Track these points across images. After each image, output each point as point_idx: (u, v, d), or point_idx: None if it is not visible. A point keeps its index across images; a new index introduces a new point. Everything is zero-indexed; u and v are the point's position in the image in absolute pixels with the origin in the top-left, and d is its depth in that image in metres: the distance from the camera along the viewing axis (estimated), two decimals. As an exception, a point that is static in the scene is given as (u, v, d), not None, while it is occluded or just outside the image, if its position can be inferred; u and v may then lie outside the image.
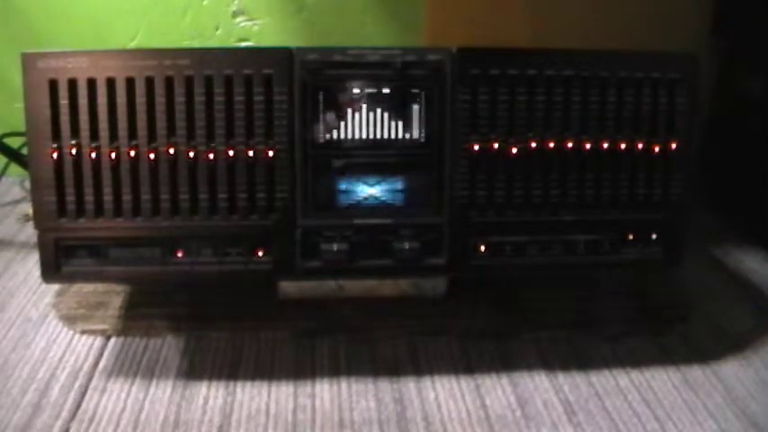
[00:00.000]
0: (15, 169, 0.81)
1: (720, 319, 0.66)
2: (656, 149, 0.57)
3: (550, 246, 0.58)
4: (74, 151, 0.53)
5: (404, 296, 0.67)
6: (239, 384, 0.57)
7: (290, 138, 0.55)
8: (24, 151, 0.62)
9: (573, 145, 0.56)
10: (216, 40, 0.91)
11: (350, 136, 0.55)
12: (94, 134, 0.53)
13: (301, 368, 0.59)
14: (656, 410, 0.55)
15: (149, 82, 0.53)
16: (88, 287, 0.68)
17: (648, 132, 0.57)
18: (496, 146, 0.56)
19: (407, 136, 0.56)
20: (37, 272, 0.56)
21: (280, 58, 0.54)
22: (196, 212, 0.55)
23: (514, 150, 0.56)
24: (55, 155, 0.53)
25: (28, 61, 0.53)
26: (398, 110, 0.55)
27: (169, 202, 0.55)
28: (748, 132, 0.84)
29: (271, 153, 0.55)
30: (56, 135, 0.53)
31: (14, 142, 0.78)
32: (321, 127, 0.55)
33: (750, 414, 0.55)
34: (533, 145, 0.56)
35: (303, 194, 0.56)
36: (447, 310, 0.66)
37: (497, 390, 0.57)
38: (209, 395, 0.55)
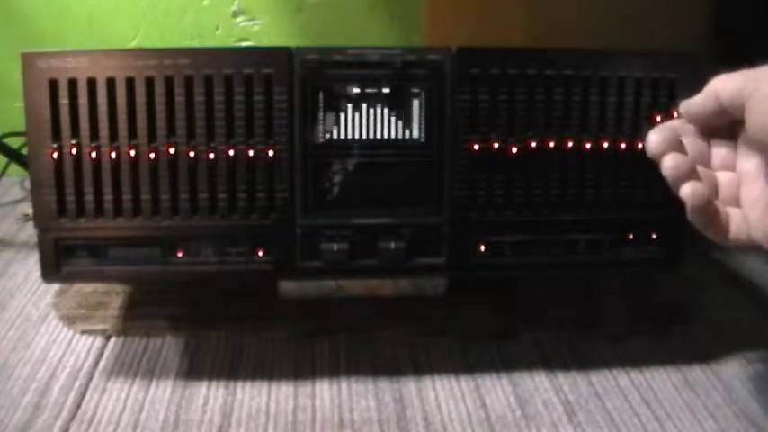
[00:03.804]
0: (15, 169, 0.81)
1: (720, 319, 0.66)
2: (656, 149, 0.57)
3: (550, 245, 0.58)
4: (74, 151, 0.53)
5: (404, 296, 0.67)
6: (239, 384, 0.57)
7: (290, 138, 0.55)
8: (24, 151, 0.62)
9: (573, 145, 0.56)
10: (216, 40, 0.91)
11: (350, 136, 0.55)
12: (94, 134, 0.53)
13: (301, 368, 0.59)
14: (656, 410, 0.55)
15: (149, 82, 0.53)
16: (88, 287, 0.68)
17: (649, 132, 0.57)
18: (496, 146, 0.56)
19: (407, 136, 0.56)
20: (37, 272, 0.56)
21: (280, 58, 0.54)
22: (196, 212, 0.55)
23: (514, 150, 0.56)
24: (55, 155, 0.53)
25: (28, 61, 0.53)
26: (398, 110, 0.55)
27: (169, 202, 0.55)
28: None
29: (271, 153, 0.55)
30: (56, 135, 0.53)
31: (14, 142, 0.78)
32: (321, 127, 0.55)
33: (750, 414, 0.55)
34: (533, 145, 0.56)
35: (303, 194, 0.56)
36: (447, 310, 0.66)
37: (497, 390, 0.57)
38: (209, 395, 0.55)
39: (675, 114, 0.56)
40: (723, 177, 0.48)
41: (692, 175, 0.46)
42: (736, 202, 0.47)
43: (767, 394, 0.57)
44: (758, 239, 0.45)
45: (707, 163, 0.48)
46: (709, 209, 0.46)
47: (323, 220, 0.56)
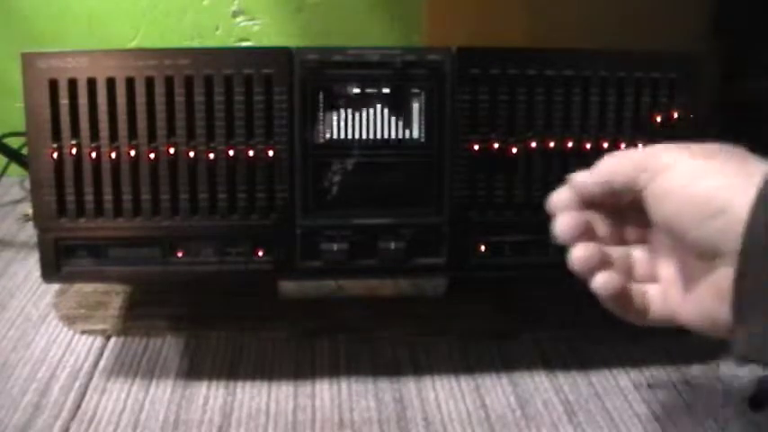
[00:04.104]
0: (15, 169, 0.81)
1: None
2: (656, 149, 0.57)
3: (550, 245, 0.57)
4: (74, 151, 0.53)
5: (404, 296, 0.67)
6: (239, 384, 0.57)
7: (290, 138, 0.55)
8: (24, 151, 0.62)
9: (573, 145, 0.56)
10: (216, 40, 0.91)
11: (350, 136, 0.55)
12: (94, 134, 0.53)
13: (301, 368, 0.59)
14: (656, 410, 0.55)
15: (149, 82, 0.53)
16: (88, 287, 0.68)
17: (649, 132, 0.57)
18: (496, 146, 0.56)
19: (407, 136, 0.56)
20: (37, 272, 0.56)
21: (280, 58, 0.54)
22: (196, 212, 0.55)
23: (514, 150, 0.56)
24: (55, 155, 0.53)
25: (28, 61, 0.53)
26: (398, 110, 0.55)
27: (169, 202, 0.55)
28: (748, 132, 0.84)
29: (271, 153, 0.55)
30: (56, 135, 0.53)
31: (14, 142, 0.78)
32: (321, 127, 0.55)
33: (750, 414, 0.55)
34: (533, 145, 0.56)
35: (303, 194, 0.56)
36: (447, 310, 0.66)
37: (497, 390, 0.57)
38: (209, 395, 0.55)
39: (675, 114, 0.56)
40: (639, 254, 0.44)
41: (603, 264, 0.42)
42: (654, 278, 0.44)
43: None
44: (680, 319, 0.42)
45: (621, 238, 0.44)
46: (624, 296, 0.42)
47: (323, 220, 0.56)
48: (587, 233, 0.43)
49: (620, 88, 0.56)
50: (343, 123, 0.55)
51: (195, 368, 0.58)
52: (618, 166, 0.42)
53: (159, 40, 0.90)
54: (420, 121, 0.56)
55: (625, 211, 0.44)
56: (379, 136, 0.55)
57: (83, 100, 0.53)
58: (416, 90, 0.55)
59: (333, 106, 0.55)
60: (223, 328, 0.63)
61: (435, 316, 0.65)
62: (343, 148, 0.55)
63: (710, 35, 0.90)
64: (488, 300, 0.67)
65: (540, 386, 0.57)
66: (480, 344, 0.62)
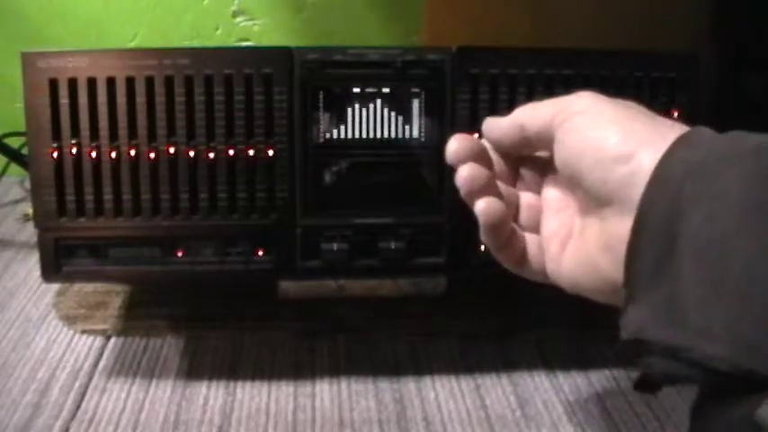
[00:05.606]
0: (15, 169, 0.81)
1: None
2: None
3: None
4: (74, 151, 0.53)
5: (404, 296, 0.67)
6: (239, 384, 0.57)
7: (290, 137, 0.55)
8: (24, 151, 0.62)
9: (573, 145, 0.56)
10: (216, 40, 0.91)
11: (350, 136, 0.55)
12: (95, 134, 0.53)
13: (301, 368, 0.59)
14: (656, 410, 0.55)
15: (149, 82, 0.53)
16: (88, 287, 0.68)
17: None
18: (496, 146, 0.56)
19: (407, 135, 0.56)
20: (37, 272, 0.56)
21: (280, 57, 0.54)
22: (196, 212, 0.55)
23: (514, 150, 0.56)
24: (55, 154, 0.53)
25: (28, 61, 0.53)
26: (398, 109, 0.55)
27: (169, 201, 0.55)
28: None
29: (271, 153, 0.55)
30: (56, 135, 0.53)
31: (14, 142, 0.78)
32: (321, 127, 0.55)
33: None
34: (533, 145, 0.56)
35: (303, 194, 0.56)
36: (447, 310, 0.66)
37: (497, 390, 0.57)
38: (209, 395, 0.55)
39: (675, 114, 0.56)
40: (526, 199, 0.43)
41: (489, 190, 0.41)
42: (536, 228, 0.43)
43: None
44: (552, 276, 0.42)
45: (512, 182, 0.44)
46: (503, 230, 0.41)
47: (323, 220, 0.56)
48: (478, 159, 0.42)
49: (621, 88, 0.56)
50: (343, 123, 0.55)
51: (195, 368, 0.58)
52: (535, 111, 0.42)
53: (159, 40, 0.90)
54: (420, 120, 0.56)
55: (525, 165, 0.44)
56: (379, 136, 0.55)
57: (83, 100, 0.53)
58: (416, 90, 0.55)
59: (333, 106, 0.55)
60: (223, 328, 0.63)
61: (435, 316, 0.65)
62: (343, 147, 0.55)
63: (710, 35, 0.90)
64: (488, 299, 0.67)
65: (540, 386, 0.57)
66: (480, 344, 0.62)
